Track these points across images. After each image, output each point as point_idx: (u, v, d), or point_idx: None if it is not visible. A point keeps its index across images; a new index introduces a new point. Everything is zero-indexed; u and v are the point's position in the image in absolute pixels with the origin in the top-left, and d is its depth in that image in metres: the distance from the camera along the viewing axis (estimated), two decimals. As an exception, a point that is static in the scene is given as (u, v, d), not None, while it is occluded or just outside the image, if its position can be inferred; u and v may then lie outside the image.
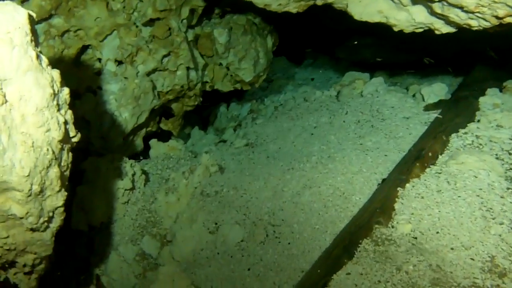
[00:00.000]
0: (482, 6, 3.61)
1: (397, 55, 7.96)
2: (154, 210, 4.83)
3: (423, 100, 5.59)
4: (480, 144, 4.22)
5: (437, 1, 3.88)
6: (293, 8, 5.01)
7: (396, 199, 3.85)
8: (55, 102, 2.98)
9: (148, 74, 5.93)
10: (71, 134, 3.19)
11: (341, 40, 8.83)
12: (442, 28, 4.21)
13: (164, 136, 6.85)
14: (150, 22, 5.99)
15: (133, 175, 4.96)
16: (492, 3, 3.55)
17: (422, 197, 3.78)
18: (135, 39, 5.81)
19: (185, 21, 6.26)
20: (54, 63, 5.43)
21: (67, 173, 3.24)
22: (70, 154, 3.23)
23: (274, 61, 9.70)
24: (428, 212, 3.63)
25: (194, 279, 3.93)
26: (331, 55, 9.39)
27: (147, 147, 6.32)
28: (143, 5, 5.85)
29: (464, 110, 4.77)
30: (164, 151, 6.00)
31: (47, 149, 2.92)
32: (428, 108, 5.40)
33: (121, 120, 5.56)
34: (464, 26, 3.97)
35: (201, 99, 6.93)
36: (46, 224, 3.12)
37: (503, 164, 3.92)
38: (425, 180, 3.97)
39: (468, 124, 4.49)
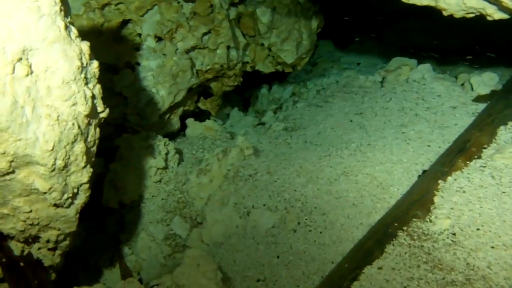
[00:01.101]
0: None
1: (449, 41, 7.66)
2: (186, 191, 4.73)
3: (472, 89, 5.29)
4: (530, 138, 3.94)
5: (490, -16, 3.60)
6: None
7: (436, 192, 3.63)
8: (82, 75, 2.89)
9: (187, 51, 5.81)
10: (99, 109, 3.10)
11: (390, 23, 8.57)
12: (495, 14, 3.90)
13: (203, 116, 6.74)
14: (192, -2, 5.87)
15: (167, 154, 4.87)
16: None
17: (464, 192, 3.56)
18: (175, 15, 5.69)
19: (228, -2, 6.11)
20: (94, 36, 5.40)
21: (94, 149, 3.16)
22: (98, 129, 3.14)
23: (320, 44, 9.50)
24: (469, 207, 3.41)
25: (221, 263, 3.82)
26: (379, 39, 9.14)
27: (184, 127, 6.21)
28: (184, -20, 5.73)
29: (515, 101, 4.48)
30: (200, 131, 5.89)
31: (73, 124, 2.83)
32: (478, 99, 5.11)
33: (158, 98, 5.46)
34: (519, 12, 3.68)
35: (241, 79, 6.77)
36: (70, 200, 3.05)
37: (553, 160, 3.65)
38: (468, 173, 3.73)
39: (518, 116, 4.20)
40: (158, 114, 5.54)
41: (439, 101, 5.20)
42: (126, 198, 4.65)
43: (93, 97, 2.98)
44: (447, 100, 5.19)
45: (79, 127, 2.88)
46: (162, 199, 4.76)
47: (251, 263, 3.81)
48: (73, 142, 2.87)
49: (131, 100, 5.43)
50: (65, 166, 2.86)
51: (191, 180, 4.68)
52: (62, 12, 2.78)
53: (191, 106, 6.31)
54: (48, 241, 3.19)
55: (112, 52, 5.41)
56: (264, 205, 4.23)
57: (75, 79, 2.82)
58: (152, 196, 4.79)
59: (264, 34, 6.63)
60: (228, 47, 6.12)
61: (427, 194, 3.65)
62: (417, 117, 5.01)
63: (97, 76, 3.06)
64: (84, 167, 3.02)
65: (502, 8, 3.79)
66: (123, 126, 5.58)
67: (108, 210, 4.79)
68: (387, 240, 3.36)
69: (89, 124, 3.01)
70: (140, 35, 5.73)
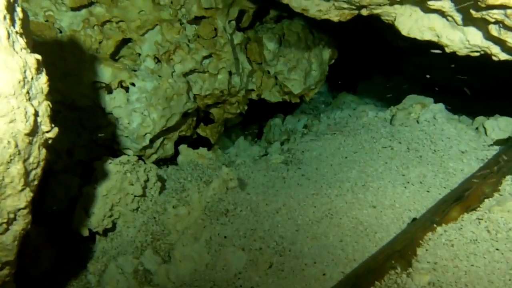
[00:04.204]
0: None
1: (472, 80, 7.30)
2: (162, 222, 4.40)
3: (486, 134, 4.87)
4: (537, 191, 3.52)
5: (493, 23, 3.25)
6: (334, 16, 4.42)
7: (421, 243, 3.26)
8: (25, 90, 2.65)
9: (185, 74, 5.57)
10: (44, 128, 2.84)
11: (412, 59, 8.34)
12: (500, 54, 3.57)
13: (207, 144, 6.45)
14: (196, 20, 5.65)
15: (146, 181, 4.56)
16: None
17: (452, 245, 3.18)
18: (177, 36, 5.48)
19: (233, 22, 5.86)
20: (90, 54, 5.22)
21: (38, 171, 2.90)
22: (43, 150, 2.88)
23: (342, 77, 9.23)
24: (455, 263, 3.03)
25: (180, 306, 3.48)
26: (404, 75, 8.88)
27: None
28: (189, 1, 5.51)
29: (529, 150, 4.05)
30: (192, 158, 5.58)
31: (9, 142, 2.58)
32: (494, 145, 4.70)
33: (149, 121, 5.20)
34: (523, 54, 3.33)
35: (245, 107, 6.49)
36: (5, 226, 2.78)
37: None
38: (462, 225, 3.34)
39: (528, 167, 3.77)
40: (148, 138, 5.27)
41: (448, 144, 4.81)
42: (97, 225, 4.35)
43: (36, 114, 2.73)
44: (457, 143, 4.79)
45: (16, 146, 2.62)
46: (137, 229, 4.44)
47: (214, 309, 3.47)
48: (8, 162, 2.61)
49: (122, 122, 5.19)
50: (-2, 188, 2.60)
51: (168, 210, 4.37)
52: (7, 21, 2.55)
53: (188, 132, 6.02)
54: (-18, 270, 2.91)
55: (107, 71, 5.19)
56: (237, 243, 3.89)
57: (14, 94, 2.58)
58: (127, 226, 4.48)
59: (269, 62, 6.35)
60: (230, 73, 5.86)
61: (411, 245, 3.27)
62: (421, 159, 4.63)
63: (45, 92, 2.81)
64: (22, 190, 2.75)
65: (507, 49, 3.44)
66: (111, 148, 5.34)
67: (81, 237, 4.51)
68: (356, 294, 2.99)
69: (30, 143, 2.74)
70: (139, 55, 5.53)
